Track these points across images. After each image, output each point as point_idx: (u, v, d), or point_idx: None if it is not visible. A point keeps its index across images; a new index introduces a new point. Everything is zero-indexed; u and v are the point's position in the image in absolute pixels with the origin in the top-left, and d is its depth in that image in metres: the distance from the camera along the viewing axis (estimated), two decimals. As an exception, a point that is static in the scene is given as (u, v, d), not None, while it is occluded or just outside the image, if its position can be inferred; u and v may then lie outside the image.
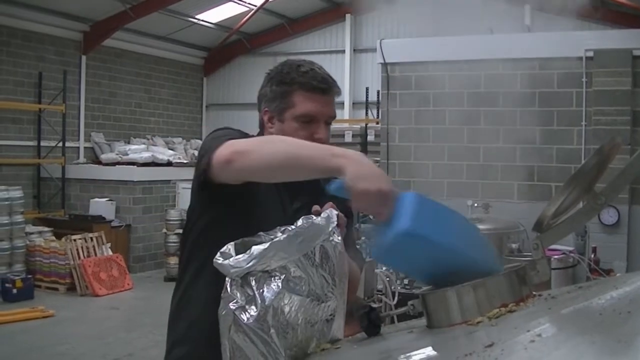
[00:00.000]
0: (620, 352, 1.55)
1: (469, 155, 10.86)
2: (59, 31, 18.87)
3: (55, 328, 12.09)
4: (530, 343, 1.68)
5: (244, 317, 2.28)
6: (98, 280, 14.92)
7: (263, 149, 2.60)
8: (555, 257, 9.33)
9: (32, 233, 15.82)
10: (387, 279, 10.14)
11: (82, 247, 15.19)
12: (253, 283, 2.30)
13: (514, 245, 7.88)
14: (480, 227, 8.53)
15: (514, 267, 2.15)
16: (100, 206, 17.11)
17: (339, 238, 2.47)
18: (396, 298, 9.77)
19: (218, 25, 22.27)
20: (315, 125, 3.04)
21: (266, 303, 2.27)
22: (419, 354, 1.94)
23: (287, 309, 2.30)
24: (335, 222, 2.48)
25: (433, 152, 11.11)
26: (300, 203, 3.01)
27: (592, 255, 9.83)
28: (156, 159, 18.50)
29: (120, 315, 13.37)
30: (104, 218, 16.72)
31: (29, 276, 14.49)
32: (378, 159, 12.29)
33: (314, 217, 2.47)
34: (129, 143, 20.29)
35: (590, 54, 10.52)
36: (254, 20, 21.95)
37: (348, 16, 22.24)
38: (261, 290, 2.28)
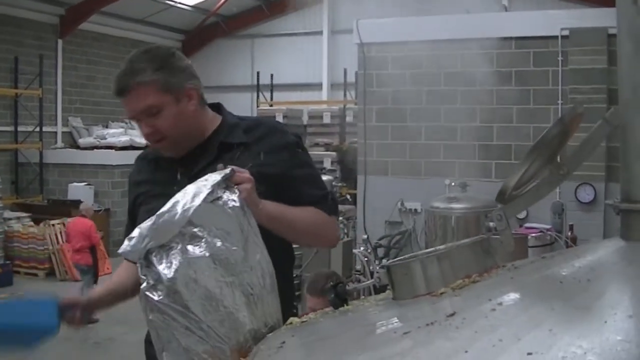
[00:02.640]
0: (577, 319, 1.57)
1: (446, 135, 10.87)
2: (35, 15, 18.76)
3: (34, 313, 12.06)
4: (491, 312, 1.69)
5: (155, 296, 2.28)
6: (77, 264, 14.90)
7: None
8: (533, 235, 9.41)
9: (10, 219, 15.77)
10: (365, 259, 10.19)
11: (60, 232, 15.16)
12: (155, 260, 2.30)
13: (491, 224, 7.93)
14: (458, 205, 8.59)
15: (478, 239, 2.16)
16: (79, 191, 17.07)
17: (232, 194, 2.49)
18: (375, 276, 9.83)
19: (195, 7, 22.23)
20: (140, 124, 3.09)
21: (170, 276, 2.27)
22: (383, 324, 1.95)
23: (196, 275, 2.30)
24: (217, 179, 2.48)
25: (410, 132, 11.11)
26: (194, 172, 3.02)
27: (569, 233, 9.91)
28: (134, 142, 18.45)
29: (100, 299, 13.34)
30: (81, 201, 16.68)
31: (8, 262, 14.46)
32: (356, 139, 12.31)
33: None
34: (107, 127, 20.22)
35: (566, 32, 10.55)
36: (231, 3, 21.94)
37: (325, -3, 22.25)
38: (163, 266, 2.29)
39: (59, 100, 19.66)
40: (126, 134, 18.94)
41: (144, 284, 2.30)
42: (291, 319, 2.38)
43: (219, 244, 2.36)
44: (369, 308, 2.31)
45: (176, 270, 2.28)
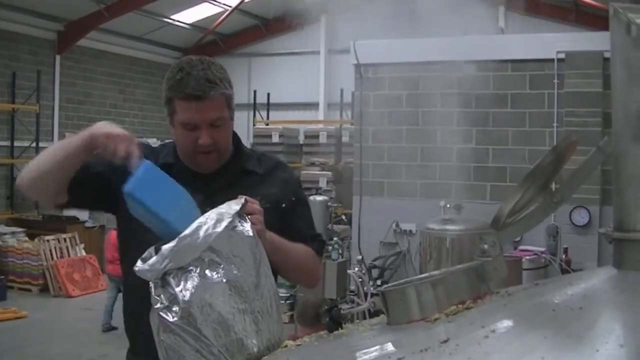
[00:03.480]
0: (570, 347, 1.59)
1: (442, 157, 10.88)
2: (33, 30, 18.80)
3: (28, 329, 12.04)
4: (484, 339, 1.71)
5: (169, 317, 2.31)
6: (71, 281, 14.88)
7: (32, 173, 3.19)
8: (527, 257, 9.41)
9: (5, 234, 15.76)
10: (360, 280, 10.20)
11: (55, 248, 15.15)
12: (173, 282, 2.33)
13: (485, 246, 7.93)
14: (453, 227, 8.59)
15: (472, 265, 2.17)
16: (74, 207, 17.03)
17: (246, 224, 2.55)
18: (368, 299, 9.82)
19: (193, 25, 22.28)
20: (198, 131, 3.10)
21: (187, 299, 2.30)
22: (377, 350, 1.96)
23: (212, 300, 2.33)
24: (237, 209, 2.53)
25: (406, 153, 11.13)
26: (212, 191, 3.09)
27: (564, 256, 9.91)
28: (130, 159, 18.40)
29: (94, 316, 13.30)
30: (77, 219, 16.66)
31: (2, 277, 14.44)
32: (352, 159, 12.32)
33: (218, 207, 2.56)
34: (103, 144, 20.21)
35: (562, 55, 10.58)
36: (229, 21, 21.97)
37: (323, 17, 22.27)
38: (180, 288, 2.31)
39: (56, 116, 19.68)
40: (122, 151, 18.92)
41: (158, 304, 2.33)
42: (286, 342, 2.39)
43: (235, 271, 2.41)
44: (363, 332, 2.33)
45: (193, 294, 2.31)
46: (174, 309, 2.32)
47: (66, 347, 11.12)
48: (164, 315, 2.33)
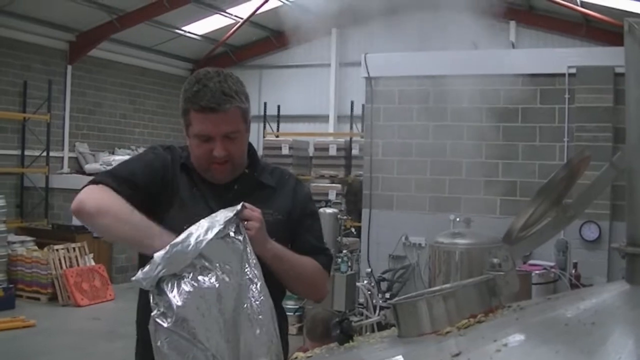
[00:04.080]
0: (582, 362, 1.58)
1: (452, 170, 10.88)
2: (44, 40, 18.83)
3: (36, 338, 12.04)
4: (496, 353, 1.70)
5: (164, 323, 2.33)
6: (80, 290, 14.87)
7: (106, 220, 2.97)
8: (537, 272, 9.38)
9: (14, 242, 15.74)
10: (369, 292, 10.19)
11: (64, 257, 15.14)
12: (167, 288, 2.35)
13: (495, 260, 7.91)
14: (462, 241, 8.58)
15: (484, 279, 2.17)
16: (84, 216, 17.03)
17: (239, 231, 2.60)
18: (377, 311, 9.81)
19: (204, 37, 22.29)
20: (212, 143, 3.11)
21: (180, 304, 2.31)
22: (388, 362, 1.96)
23: (205, 305, 2.34)
24: (230, 216, 2.56)
25: (416, 167, 11.14)
26: (227, 202, 3.05)
27: (573, 271, 9.88)
28: (140, 169, 18.40)
29: (102, 325, 13.30)
30: (86, 228, 16.59)
31: (11, 286, 14.42)
32: (361, 172, 12.32)
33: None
34: (113, 153, 20.24)
35: (573, 70, 10.58)
36: (240, 33, 21.97)
37: (334, 30, 22.28)
38: (174, 294, 2.33)
39: (66, 125, 19.69)
40: (132, 161, 18.92)
41: (155, 311, 2.35)
42: (296, 353, 2.40)
43: (227, 278, 2.42)
44: (374, 345, 2.32)
45: (186, 299, 2.33)
46: (168, 314, 2.34)
47: (73, 357, 11.11)
48: (159, 321, 2.36)
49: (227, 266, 2.48)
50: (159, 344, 2.38)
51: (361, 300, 10.42)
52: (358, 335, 2.56)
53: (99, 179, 3.14)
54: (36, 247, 15.75)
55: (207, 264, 2.43)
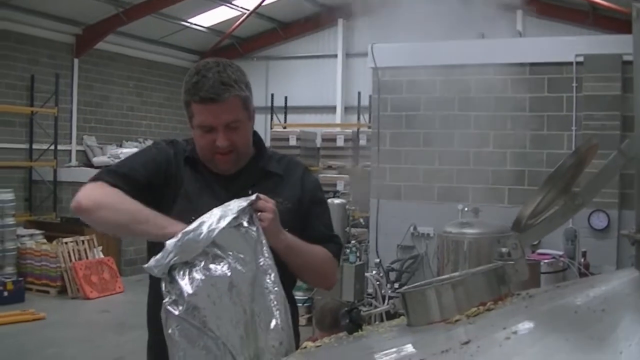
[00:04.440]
0: (592, 349, 1.58)
1: (460, 160, 10.86)
2: (51, 34, 18.87)
3: (46, 331, 12.08)
4: (505, 340, 1.70)
5: (175, 310, 2.34)
6: (89, 283, 14.91)
7: (105, 213, 3.01)
8: (545, 261, 9.37)
9: (23, 236, 15.80)
10: (377, 282, 10.19)
11: (73, 250, 15.18)
12: (179, 276, 2.36)
13: (503, 250, 7.90)
14: (470, 231, 8.57)
15: (493, 267, 2.17)
16: (92, 209, 17.05)
17: (252, 221, 2.60)
18: (386, 301, 9.81)
19: (210, 29, 22.30)
20: (215, 133, 3.13)
21: (190, 292, 2.32)
22: (398, 351, 1.95)
23: (216, 293, 2.35)
24: (243, 206, 2.56)
25: (424, 157, 11.11)
26: (235, 191, 3.11)
27: (582, 260, 9.86)
28: (148, 162, 18.42)
29: (111, 318, 13.34)
30: (94, 222, 16.66)
31: (20, 279, 14.47)
32: (369, 162, 12.30)
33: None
34: (120, 146, 20.27)
35: (581, 59, 10.54)
36: (246, 25, 21.97)
37: (340, 21, 22.27)
38: (185, 281, 2.34)
39: (74, 118, 19.73)
40: (140, 154, 18.93)
41: (167, 299, 2.36)
42: (305, 343, 2.40)
43: (239, 267, 2.42)
44: (383, 334, 2.32)
45: (197, 287, 2.34)
46: (179, 302, 2.35)
47: (82, 349, 11.14)
48: (170, 309, 2.37)
49: (240, 255, 2.48)
50: (170, 331, 2.39)
51: (370, 290, 10.41)
52: (367, 325, 2.56)
53: (97, 176, 3.17)
54: (45, 241, 15.80)
55: (219, 252, 2.44)
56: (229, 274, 2.42)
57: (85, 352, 11.01)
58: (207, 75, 3.08)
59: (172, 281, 2.40)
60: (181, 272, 2.40)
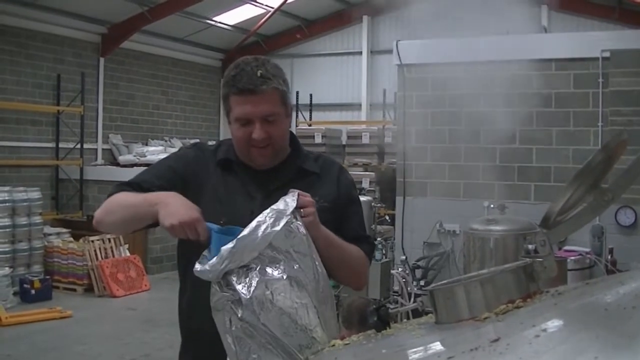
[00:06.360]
0: (623, 347, 1.56)
1: (485, 157, 10.81)
2: (77, 33, 18.99)
3: (73, 328, 12.15)
4: (535, 338, 1.69)
5: (232, 314, 2.35)
6: (115, 281, 14.98)
7: (111, 217, 3.20)
8: (572, 258, 9.32)
9: (50, 234, 15.91)
10: (404, 280, 10.17)
11: (99, 249, 15.26)
12: (234, 280, 2.37)
13: (530, 246, 7.86)
14: (497, 228, 8.52)
15: (521, 264, 2.16)
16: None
17: (300, 218, 2.62)
18: (412, 299, 9.79)
19: (235, 27, 22.35)
20: (252, 126, 3.14)
21: (247, 296, 2.33)
22: (426, 349, 1.95)
23: (273, 296, 2.36)
24: (293, 205, 2.57)
25: (449, 153, 11.08)
26: (271, 189, 3.17)
27: (609, 257, 9.80)
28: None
29: (138, 316, 13.40)
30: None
31: (47, 277, 14.57)
32: (395, 160, 12.28)
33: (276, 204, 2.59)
34: (146, 145, 20.37)
35: (607, 54, 10.47)
36: (270, 22, 22.01)
37: (365, 18, 22.25)
38: (240, 285, 2.35)
39: (100, 117, 19.84)
40: (165, 152, 18.98)
41: (225, 300, 2.38)
42: (334, 341, 2.40)
43: (295, 266, 2.44)
44: (411, 332, 2.32)
45: (254, 291, 2.35)
46: (236, 306, 2.37)
47: (109, 347, 11.21)
48: (227, 312, 2.38)
49: (298, 254, 2.49)
50: (227, 335, 2.41)
51: (396, 288, 10.40)
52: (394, 323, 2.55)
53: (111, 192, 3.24)
54: (72, 239, 15.89)
55: (276, 254, 2.45)
56: (285, 276, 2.43)
57: (112, 350, 11.07)
58: (245, 69, 3.12)
59: (228, 285, 2.41)
60: (236, 277, 2.41)
